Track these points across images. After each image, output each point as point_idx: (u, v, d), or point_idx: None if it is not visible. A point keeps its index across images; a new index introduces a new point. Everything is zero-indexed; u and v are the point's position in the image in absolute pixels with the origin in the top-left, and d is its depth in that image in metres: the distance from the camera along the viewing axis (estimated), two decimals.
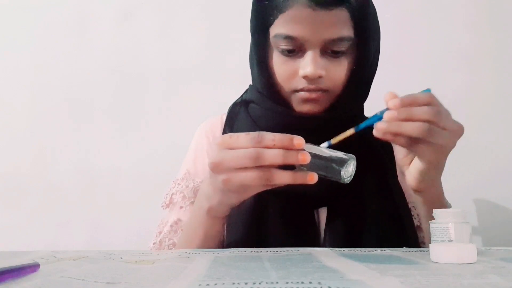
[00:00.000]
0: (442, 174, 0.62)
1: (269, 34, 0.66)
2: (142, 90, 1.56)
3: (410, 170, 0.61)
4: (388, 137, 0.54)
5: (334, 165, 0.50)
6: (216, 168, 0.52)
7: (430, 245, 0.46)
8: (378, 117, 0.54)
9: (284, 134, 0.49)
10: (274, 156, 0.48)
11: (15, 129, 1.56)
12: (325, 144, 0.54)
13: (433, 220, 0.49)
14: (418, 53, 1.48)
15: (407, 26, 1.43)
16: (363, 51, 0.67)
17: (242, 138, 0.50)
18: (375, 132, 0.54)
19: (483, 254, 0.50)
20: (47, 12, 1.59)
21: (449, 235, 0.45)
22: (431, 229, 0.48)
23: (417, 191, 0.62)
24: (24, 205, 1.53)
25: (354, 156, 0.51)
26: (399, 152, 0.63)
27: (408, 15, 1.45)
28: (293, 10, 0.62)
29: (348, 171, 0.50)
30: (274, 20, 0.65)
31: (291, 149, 0.49)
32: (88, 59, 1.57)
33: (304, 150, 0.49)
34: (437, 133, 0.52)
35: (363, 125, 0.54)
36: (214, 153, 0.52)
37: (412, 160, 0.61)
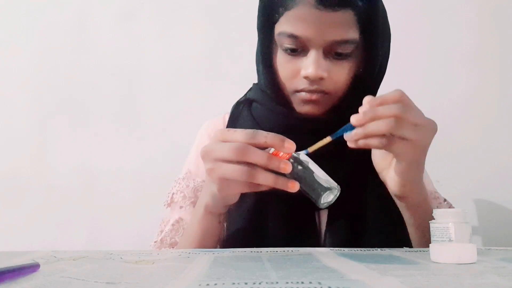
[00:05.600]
0: (422, 177, 0.61)
1: (274, 32, 0.66)
2: (142, 91, 1.56)
3: (390, 174, 0.60)
4: (361, 144, 0.53)
5: (317, 188, 0.50)
6: (204, 156, 0.53)
7: (430, 245, 0.46)
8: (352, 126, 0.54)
9: (278, 135, 0.49)
10: (258, 156, 0.49)
11: (15, 129, 1.57)
12: (302, 152, 0.53)
13: (433, 220, 0.49)
14: (420, 55, 1.48)
15: (410, 27, 1.43)
16: (369, 55, 0.66)
17: (238, 132, 0.51)
18: (348, 144, 0.54)
19: (483, 254, 0.50)
20: (47, 13, 1.59)
21: (449, 235, 0.45)
22: (431, 229, 0.48)
23: (400, 197, 0.61)
24: (24, 205, 1.53)
25: (339, 187, 0.51)
26: (376, 156, 0.62)
27: (410, 17, 1.45)
28: (298, 9, 0.62)
29: (328, 199, 0.51)
30: (279, 17, 0.64)
31: (278, 155, 0.49)
32: (88, 60, 1.57)
33: (292, 159, 0.50)
34: (407, 127, 0.51)
35: (339, 132, 0.54)
36: (208, 142, 0.53)
37: (390, 163, 0.60)
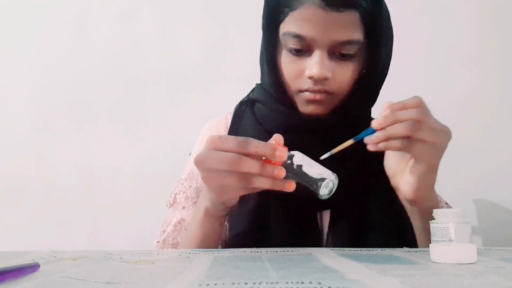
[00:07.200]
0: (435, 183, 0.62)
1: (279, 32, 0.66)
2: (142, 91, 1.56)
3: (405, 178, 0.60)
4: (381, 147, 0.55)
5: (315, 180, 0.51)
6: (198, 165, 0.53)
7: (430, 245, 0.46)
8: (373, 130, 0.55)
9: (268, 144, 0.50)
10: (251, 166, 0.49)
11: (16, 130, 1.57)
12: (326, 155, 0.55)
13: (433, 220, 0.49)
14: (420, 55, 1.48)
15: (410, 27, 1.43)
16: (372, 56, 0.66)
17: (230, 141, 0.51)
18: (369, 147, 0.55)
19: (483, 254, 0.50)
20: (48, 14, 1.59)
21: (449, 235, 0.46)
22: (431, 229, 0.48)
23: (413, 201, 0.61)
24: (24, 205, 1.53)
25: (336, 175, 0.52)
26: (390, 161, 0.63)
27: (410, 17, 1.45)
28: (303, 9, 0.62)
29: (326, 190, 0.52)
30: (284, 17, 0.64)
31: (270, 162, 0.49)
32: (89, 61, 1.57)
33: (287, 158, 0.50)
34: (426, 130, 0.53)
35: (360, 135, 0.56)
36: (202, 150, 0.53)
37: (404, 168, 0.60)
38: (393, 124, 0.53)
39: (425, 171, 0.57)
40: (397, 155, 0.61)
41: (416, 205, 0.62)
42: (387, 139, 0.54)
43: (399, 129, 0.53)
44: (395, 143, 0.54)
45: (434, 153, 0.56)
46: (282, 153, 0.49)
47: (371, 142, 0.54)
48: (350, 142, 0.56)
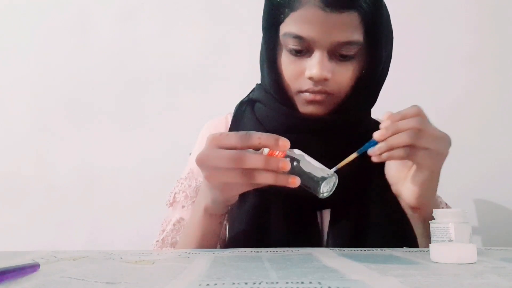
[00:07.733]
0: (437, 189, 0.62)
1: (279, 32, 0.66)
2: (142, 92, 1.56)
3: (407, 185, 0.61)
4: (385, 157, 0.55)
5: (315, 178, 0.51)
6: (200, 164, 0.53)
7: (430, 245, 0.46)
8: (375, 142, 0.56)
9: (271, 134, 0.49)
10: (255, 161, 0.49)
11: (16, 130, 1.57)
12: (333, 170, 0.54)
13: (433, 220, 0.49)
14: (420, 55, 1.48)
15: (410, 28, 1.43)
16: (372, 57, 0.66)
17: (232, 137, 0.51)
18: (373, 159, 0.56)
19: (483, 254, 0.50)
20: (48, 15, 1.59)
21: (449, 235, 0.46)
22: (431, 229, 0.48)
23: (416, 208, 0.62)
24: (24, 205, 1.53)
25: (336, 175, 0.52)
26: (392, 169, 0.64)
27: (410, 17, 1.45)
28: (304, 10, 0.62)
29: (326, 188, 0.52)
30: (284, 18, 0.65)
31: (274, 154, 0.49)
32: (89, 61, 1.57)
33: (287, 156, 0.50)
34: (428, 138, 0.54)
35: (364, 148, 0.56)
36: (203, 148, 0.53)
37: (406, 175, 0.61)
38: (394, 134, 0.54)
39: (427, 178, 0.58)
40: (398, 163, 0.63)
41: (418, 212, 0.63)
42: (390, 149, 0.55)
43: (401, 139, 0.54)
44: (398, 152, 0.55)
45: (436, 160, 0.57)
46: (285, 142, 0.49)
47: (374, 153, 0.55)
48: (354, 155, 0.56)
